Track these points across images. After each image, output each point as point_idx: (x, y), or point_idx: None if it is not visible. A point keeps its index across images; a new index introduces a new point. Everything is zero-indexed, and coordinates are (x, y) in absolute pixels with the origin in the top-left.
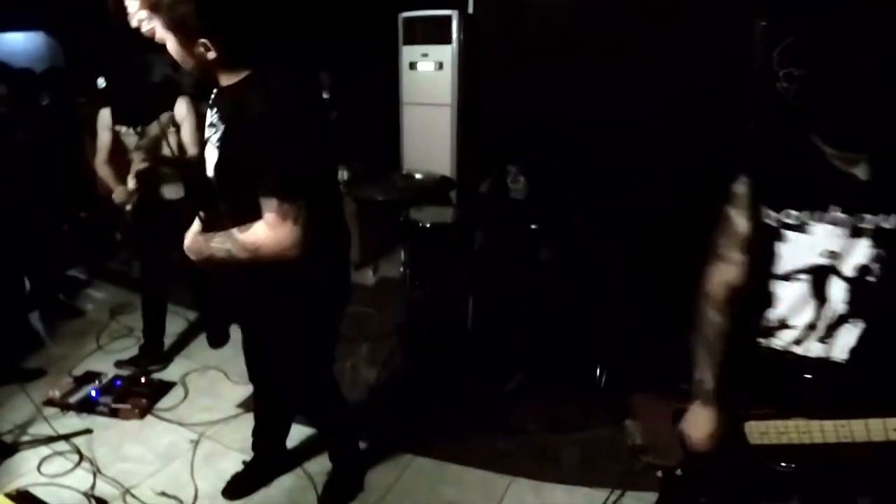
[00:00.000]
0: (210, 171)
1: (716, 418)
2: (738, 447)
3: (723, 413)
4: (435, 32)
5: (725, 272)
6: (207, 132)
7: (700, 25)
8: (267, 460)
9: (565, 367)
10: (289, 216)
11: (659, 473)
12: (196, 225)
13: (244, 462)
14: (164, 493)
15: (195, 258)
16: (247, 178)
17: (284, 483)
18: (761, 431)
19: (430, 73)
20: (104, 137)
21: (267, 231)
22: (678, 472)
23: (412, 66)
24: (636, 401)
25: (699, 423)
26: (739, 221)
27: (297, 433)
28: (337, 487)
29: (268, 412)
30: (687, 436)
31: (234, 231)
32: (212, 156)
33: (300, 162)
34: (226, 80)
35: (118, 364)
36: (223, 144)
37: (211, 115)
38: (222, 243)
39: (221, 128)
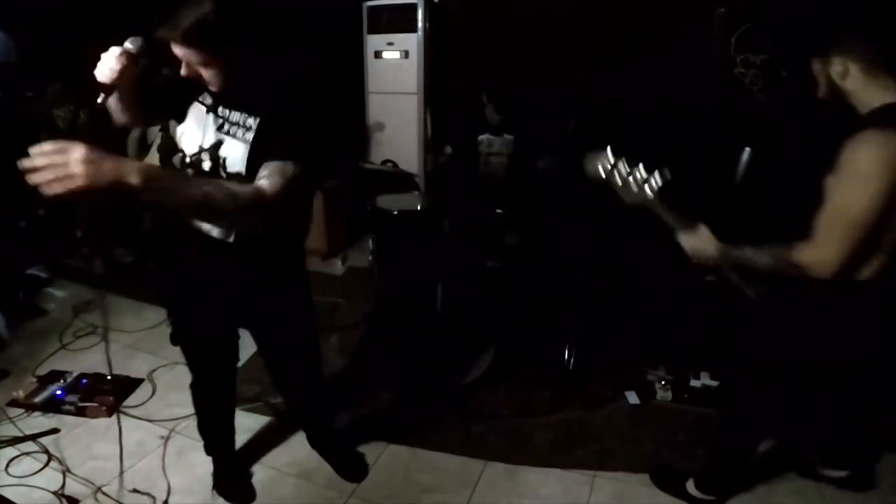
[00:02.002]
0: (237, 165)
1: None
2: None
3: None
4: (400, 21)
5: None
6: (217, 132)
7: (662, 11)
8: (234, 457)
9: (535, 351)
10: (288, 174)
11: None
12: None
13: (212, 474)
14: (136, 490)
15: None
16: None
17: (256, 478)
18: None
19: (395, 62)
20: None
21: (268, 183)
22: None
23: (377, 54)
24: None
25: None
26: None
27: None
28: (349, 459)
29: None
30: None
31: (224, 182)
32: (236, 149)
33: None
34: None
35: None
36: (259, 136)
37: (221, 113)
38: (201, 185)
39: (251, 121)
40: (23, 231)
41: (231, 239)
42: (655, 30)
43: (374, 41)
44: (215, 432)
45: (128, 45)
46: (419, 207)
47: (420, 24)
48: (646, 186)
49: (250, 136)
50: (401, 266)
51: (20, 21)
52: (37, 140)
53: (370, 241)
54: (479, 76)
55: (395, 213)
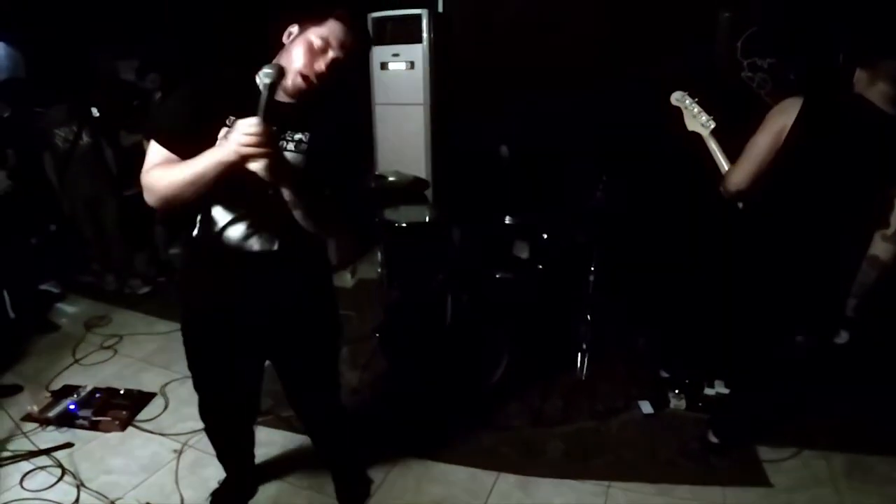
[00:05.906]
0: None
1: None
2: None
3: None
4: (405, 32)
5: None
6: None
7: (666, 17)
8: (247, 474)
9: (547, 362)
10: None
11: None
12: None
13: (219, 481)
14: None
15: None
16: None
17: (269, 492)
18: None
19: (401, 73)
20: None
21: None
22: None
23: (383, 66)
24: None
25: None
26: None
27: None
28: (353, 484)
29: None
30: None
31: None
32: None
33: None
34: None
35: None
36: (311, 149)
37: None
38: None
39: (300, 135)
40: (35, 247)
41: (276, 247)
42: (660, 36)
43: (379, 52)
44: (233, 449)
45: (265, 79)
46: (427, 219)
47: (425, 35)
48: (703, 117)
49: (303, 148)
50: (410, 278)
51: (30, 36)
52: (40, 158)
53: (379, 254)
54: (485, 87)
55: (404, 225)
